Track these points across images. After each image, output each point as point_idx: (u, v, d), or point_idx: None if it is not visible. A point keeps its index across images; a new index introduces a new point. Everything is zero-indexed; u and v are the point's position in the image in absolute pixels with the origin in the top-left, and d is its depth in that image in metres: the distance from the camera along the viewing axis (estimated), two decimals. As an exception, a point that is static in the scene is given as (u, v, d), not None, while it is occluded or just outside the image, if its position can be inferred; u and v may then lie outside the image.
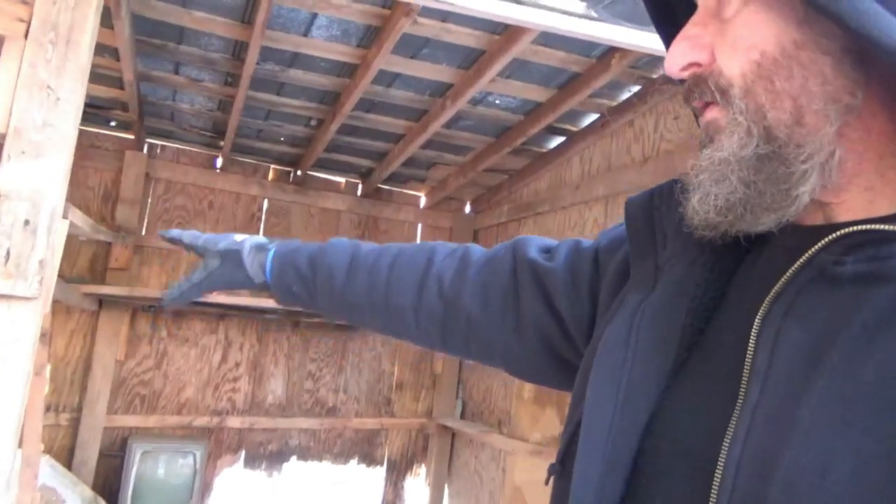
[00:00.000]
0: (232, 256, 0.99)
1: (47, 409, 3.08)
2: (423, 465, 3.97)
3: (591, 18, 1.80)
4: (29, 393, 1.24)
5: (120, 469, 3.14)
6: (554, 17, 1.79)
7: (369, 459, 3.87)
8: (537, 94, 2.70)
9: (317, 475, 3.74)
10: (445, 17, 2.14)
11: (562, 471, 0.61)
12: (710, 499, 0.45)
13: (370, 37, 2.31)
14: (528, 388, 3.20)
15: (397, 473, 3.93)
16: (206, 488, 3.44)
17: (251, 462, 3.61)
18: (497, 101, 2.81)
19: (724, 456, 0.45)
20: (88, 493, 2.86)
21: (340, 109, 2.77)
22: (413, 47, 2.37)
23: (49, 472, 2.67)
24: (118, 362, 3.28)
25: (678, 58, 0.52)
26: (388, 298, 0.89)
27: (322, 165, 3.65)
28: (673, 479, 0.49)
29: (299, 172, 3.67)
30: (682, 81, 0.55)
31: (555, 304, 0.77)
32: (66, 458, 3.12)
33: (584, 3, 1.73)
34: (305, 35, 2.31)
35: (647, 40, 1.94)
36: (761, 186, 0.49)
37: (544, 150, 3.32)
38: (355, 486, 3.83)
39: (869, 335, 0.42)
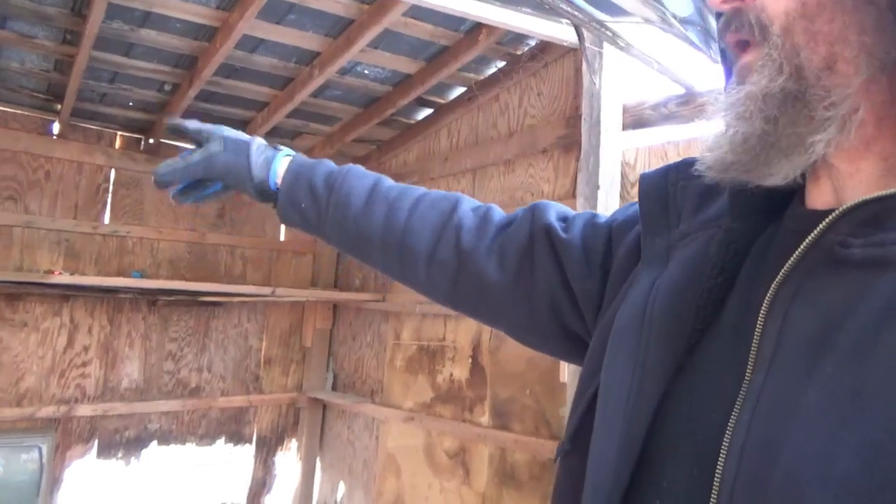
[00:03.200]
0: (237, 145, 0.90)
1: None
2: (294, 440, 3.93)
3: (463, -6, 1.83)
4: None
5: (-51, 471, 2.81)
6: (426, -9, 1.80)
7: (237, 438, 3.76)
8: (406, 65, 2.69)
9: (180, 459, 3.58)
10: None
11: (571, 449, 0.60)
12: (714, 483, 0.45)
13: (232, -1, 2.18)
14: (400, 358, 3.26)
15: (267, 450, 3.85)
16: (54, 483, 3.18)
17: (105, 451, 3.38)
18: (366, 72, 2.77)
19: (727, 440, 0.45)
20: (-88, 500, 2.54)
21: (199, 74, 2.60)
22: (278, 12, 2.27)
23: None
24: (-59, 353, 2.92)
25: None
26: (404, 237, 0.84)
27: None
28: (679, 462, 0.49)
29: (151, 140, 3.41)
30: (717, 16, 0.54)
31: (567, 276, 0.75)
32: None
33: (457, -20, 1.75)
34: (159, -7, 2.13)
35: (513, 19, 2.01)
36: (781, 125, 0.48)
37: (413, 122, 3.33)
38: (222, 466, 3.71)
39: (877, 323, 0.42)
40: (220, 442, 3.70)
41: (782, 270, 0.48)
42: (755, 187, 0.52)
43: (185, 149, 0.98)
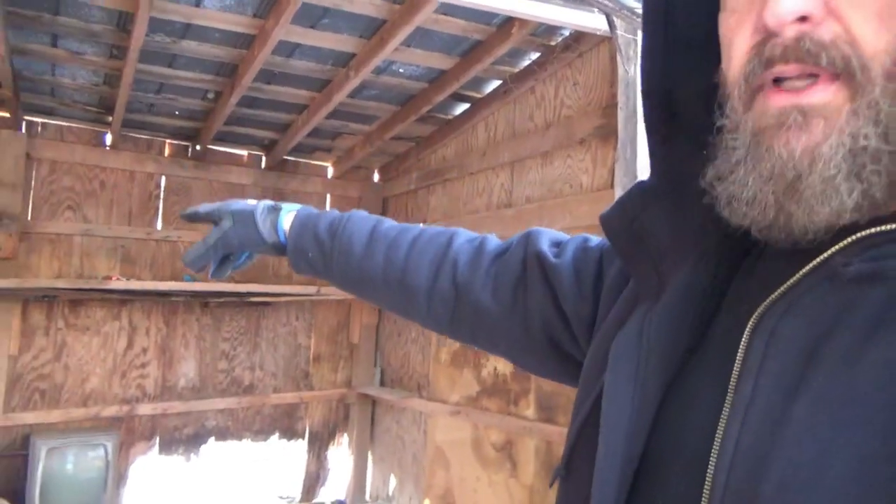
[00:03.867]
0: (244, 216, 0.97)
1: (-66, 413, 2.86)
2: (345, 435, 4.01)
3: (491, -10, 1.82)
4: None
5: (24, 468, 2.98)
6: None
7: (290, 433, 3.86)
8: (440, 61, 2.71)
9: (237, 454, 3.70)
10: (345, -14, 2.10)
11: (567, 474, 0.60)
12: (703, 496, 0.45)
13: (267, 6, 2.23)
14: (445, 352, 3.28)
15: (320, 445, 3.95)
16: (119, 479, 3.33)
17: (167, 448, 3.52)
18: (401, 70, 2.80)
19: (715, 453, 0.45)
20: (-9, 496, 2.71)
21: (239, 81, 2.67)
22: (312, 17, 2.31)
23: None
24: (12, 357, 3.08)
25: (796, 3, 0.43)
26: (404, 276, 0.88)
27: (222, 139, 3.52)
28: (671, 478, 0.49)
29: (198, 147, 3.51)
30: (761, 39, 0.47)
31: (559, 300, 0.76)
32: (-39, 462, 2.93)
33: (484, -24, 1.75)
34: (197, 5, 2.20)
35: (544, 10, 1.99)
36: (880, 186, 0.43)
37: (450, 118, 3.34)
38: (277, 461, 3.82)
39: (866, 333, 0.41)
40: (275, 437, 3.81)
41: (780, 288, 0.47)
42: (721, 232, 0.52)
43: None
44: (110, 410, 3.30)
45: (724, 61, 0.51)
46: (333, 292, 3.58)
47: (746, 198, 0.47)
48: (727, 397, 0.47)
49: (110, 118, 3.17)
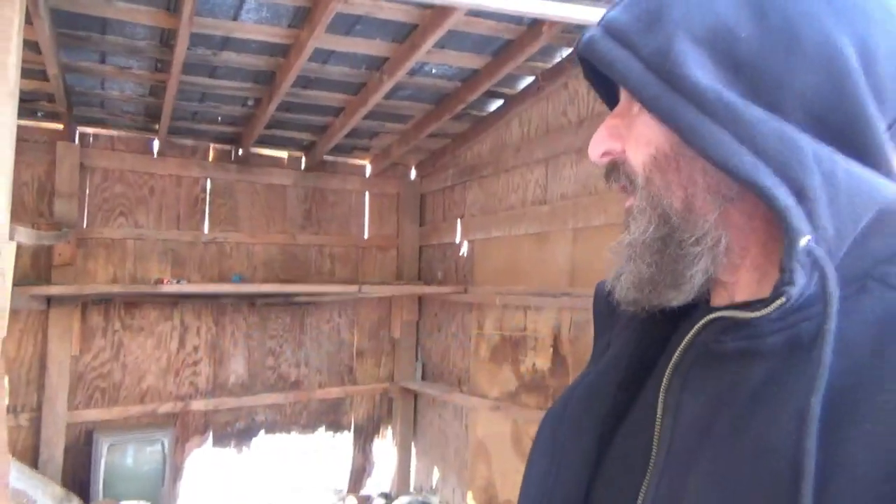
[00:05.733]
0: None
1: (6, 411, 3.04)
2: (388, 428, 4.10)
3: (519, -5, 1.84)
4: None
5: (88, 463, 3.15)
6: (482, -5, 1.82)
7: (336, 427, 3.97)
8: (472, 61, 2.73)
9: (286, 447, 3.83)
10: (376, -5, 2.14)
11: None
12: None
13: (301, 17, 2.29)
14: (484, 348, 3.33)
15: (365, 438, 4.05)
16: (176, 472, 3.49)
17: (220, 441, 3.66)
18: (434, 71, 2.83)
19: None
20: (59, 490, 2.88)
21: (277, 88, 2.74)
22: (346, 25, 2.36)
23: (15, 474, 2.67)
24: (73, 358, 3.25)
25: (596, 146, 0.59)
26: None
27: (263, 142, 3.61)
28: None
29: (241, 151, 3.62)
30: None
31: None
32: (31, 457, 3.12)
33: (511, -18, 1.76)
34: (235, 19, 2.27)
35: (574, 12, 1.99)
36: (662, 266, 0.54)
37: (484, 114, 3.36)
38: (324, 453, 3.93)
39: (748, 409, 0.47)
40: (321, 431, 3.92)
41: (669, 365, 0.55)
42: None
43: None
44: (166, 407, 3.46)
45: None
46: (373, 291, 3.65)
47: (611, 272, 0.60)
48: (648, 468, 0.53)
49: (157, 126, 3.29)
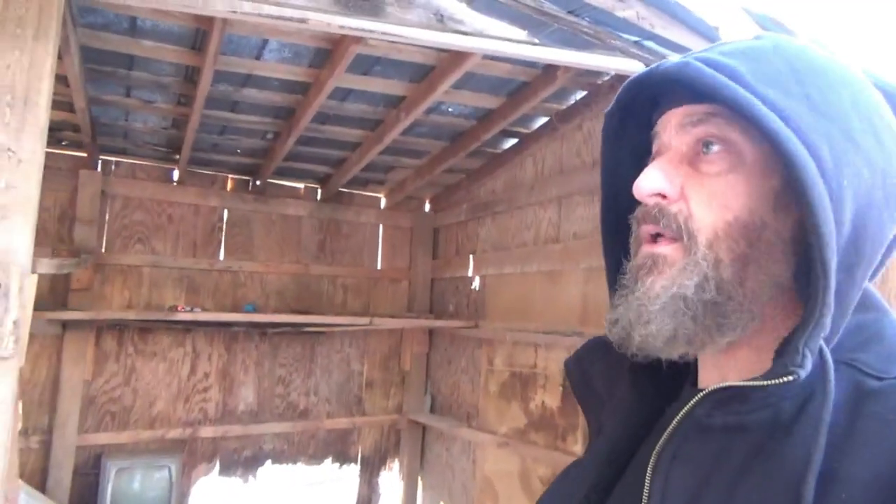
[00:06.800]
0: None
1: (17, 433, 3.08)
2: (396, 460, 4.08)
3: (534, 44, 1.88)
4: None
5: (95, 487, 3.17)
6: (497, 43, 1.87)
7: (343, 458, 3.96)
8: (488, 101, 2.77)
9: (292, 477, 3.82)
10: (394, 39, 2.19)
11: None
12: None
13: (321, 58, 2.35)
14: (494, 383, 3.32)
15: (371, 470, 4.03)
16: (182, 499, 3.49)
17: (226, 469, 3.66)
18: (450, 109, 2.88)
19: None
20: (65, 515, 2.89)
21: (296, 124, 2.80)
22: (365, 65, 2.42)
23: (24, 497, 2.68)
24: (86, 381, 3.29)
25: (654, 182, 0.58)
26: None
27: (281, 173, 3.68)
28: None
29: (258, 182, 3.69)
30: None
31: None
32: (39, 480, 3.14)
33: (526, 32, 1.81)
34: (258, 58, 2.34)
35: (587, 59, 2.03)
36: (702, 326, 0.55)
37: (499, 152, 3.40)
38: (331, 485, 3.92)
39: (735, 479, 0.50)
40: (328, 461, 3.91)
41: (662, 437, 0.57)
42: (650, 374, 0.63)
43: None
44: (175, 432, 3.47)
45: None
46: (384, 323, 3.67)
47: (615, 319, 0.59)
48: None
49: (177, 156, 3.36)
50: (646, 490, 0.55)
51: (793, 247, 0.55)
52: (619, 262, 0.64)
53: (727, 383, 0.53)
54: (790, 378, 0.48)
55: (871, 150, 0.53)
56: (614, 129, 0.68)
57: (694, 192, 0.57)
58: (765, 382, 0.50)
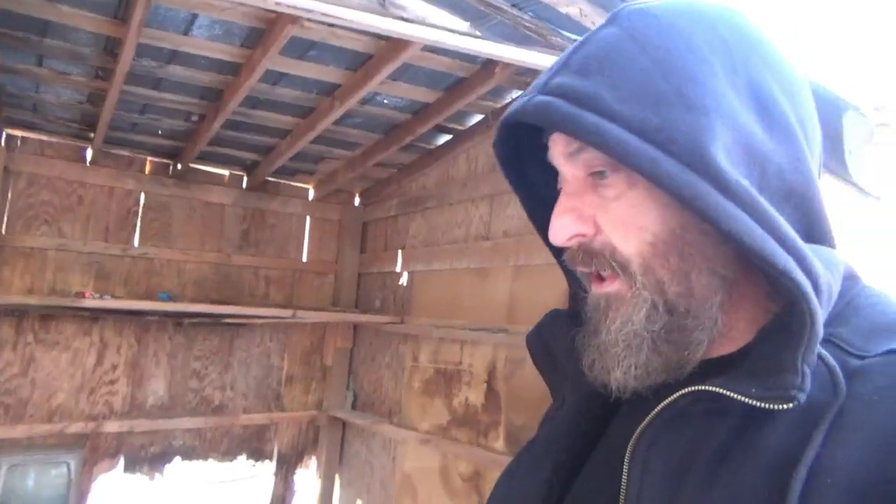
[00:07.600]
0: None
1: None
2: (313, 457, 3.99)
3: (475, 36, 1.88)
4: None
5: (-16, 485, 2.93)
6: (438, 32, 1.85)
7: (258, 455, 3.84)
8: (424, 95, 2.75)
9: (202, 475, 3.66)
10: (333, 21, 2.14)
11: None
12: None
13: (254, 38, 2.26)
14: (418, 380, 3.30)
15: (287, 467, 3.92)
16: (81, 497, 3.28)
17: (131, 466, 3.47)
18: (385, 101, 2.84)
19: None
20: (-52, 515, 2.66)
21: (224, 107, 2.69)
22: (300, 49, 2.35)
23: None
24: (-22, 371, 3.04)
25: (566, 230, 0.57)
26: None
27: (204, 158, 3.53)
28: None
29: (179, 166, 3.52)
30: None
31: None
32: (-81, 477, 2.87)
33: (468, 24, 1.80)
34: (185, 34, 2.22)
35: (528, 56, 2.05)
36: (670, 353, 0.55)
37: (432, 147, 3.39)
38: (244, 483, 3.79)
39: (716, 462, 0.49)
40: (242, 458, 3.78)
41: (641, 425, 0.55)
42: None
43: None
44: (76, 427, 3.26)
45: None
46: (307, 316, 3.58)
47: (591, 362, 0.59)
48: None
49: (92, 134, 3.16)
50: (624, 476, 0.55)
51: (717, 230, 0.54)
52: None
53: (717, 389, 0.51)
54: (790, 405, 0.47)
55: (755, 126, 0.52)
56: (509, 159, 0.66)
57: (607, 222, 0.56)
58: (761, 405, 0.48)
